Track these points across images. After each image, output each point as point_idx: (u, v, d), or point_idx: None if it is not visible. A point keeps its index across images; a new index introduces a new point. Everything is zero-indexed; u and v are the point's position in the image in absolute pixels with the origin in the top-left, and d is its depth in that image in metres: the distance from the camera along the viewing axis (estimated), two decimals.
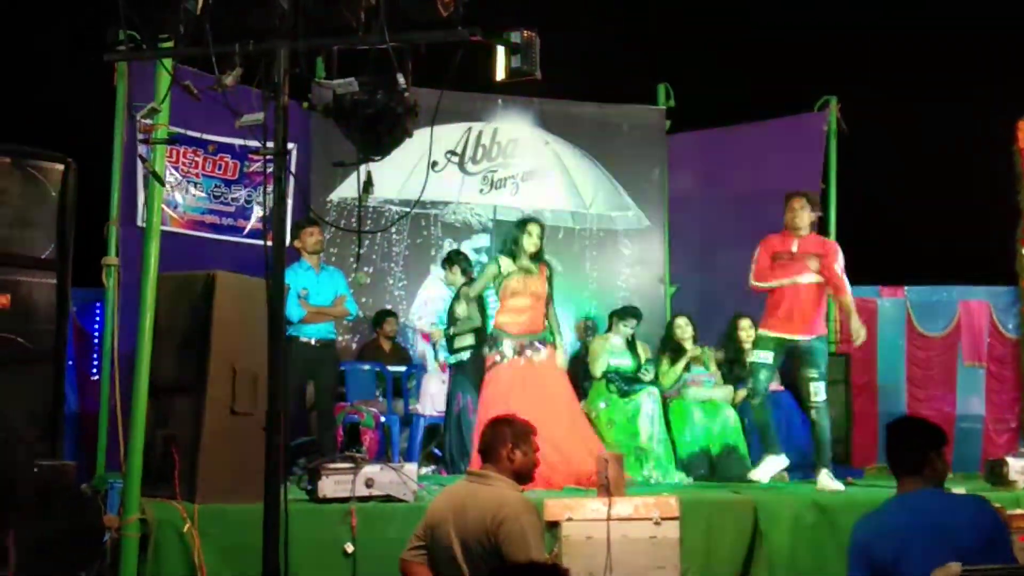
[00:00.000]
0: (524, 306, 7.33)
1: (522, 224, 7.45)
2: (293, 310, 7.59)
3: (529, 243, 7.31)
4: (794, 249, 7.51)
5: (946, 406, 9.93)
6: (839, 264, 7.57)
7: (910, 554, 3.55)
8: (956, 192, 10.23)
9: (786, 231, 7.57)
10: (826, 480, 7.21)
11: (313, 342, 7.78)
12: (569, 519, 5.71)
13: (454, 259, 8.48)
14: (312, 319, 7.76)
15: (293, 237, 7.94)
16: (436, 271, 9.58)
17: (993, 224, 10.11)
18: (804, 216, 7.55)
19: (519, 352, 7.28)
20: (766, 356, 7.48)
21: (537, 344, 7.32)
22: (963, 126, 10.31)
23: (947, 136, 10.47)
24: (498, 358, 7.29)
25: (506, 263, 7.35)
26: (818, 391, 7.39)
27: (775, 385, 8.12)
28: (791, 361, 7.63)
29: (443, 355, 8.47)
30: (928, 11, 11.07)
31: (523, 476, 4.42)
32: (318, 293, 7.85)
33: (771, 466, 7.49)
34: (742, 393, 8.71)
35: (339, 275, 8.15)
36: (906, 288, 10.17)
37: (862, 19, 11.32)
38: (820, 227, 9.40)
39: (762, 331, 7.60)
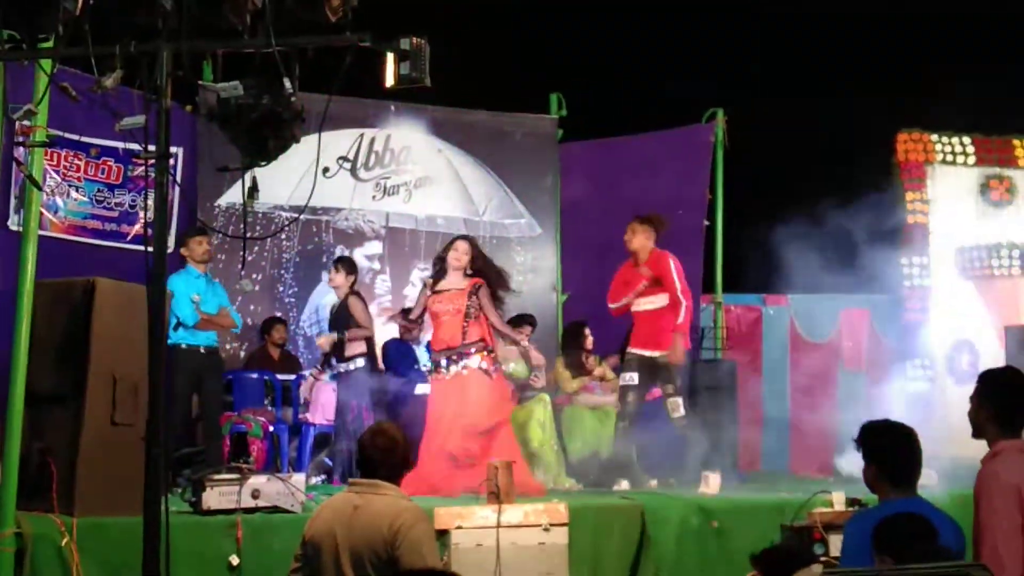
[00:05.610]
0: (441, 322, 7.45)
1: (449, 242, 7.78)
2: (188, 314, 7.56)
3: (454, 259, 7.52)
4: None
5: (828, 411, 10.19)
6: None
7: None
8: (838, 201, 10.50)
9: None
10: (712, 483, 7.32)
11: (202, 349, 7.73)
12: (459, 527, 5.73)
13: (338, 263, 8.48)
14: (203, 326, 7.73)
15: (180, 245, 7.87)
16: (327, 278, 9.47)
17: (873, 233, 10.40)
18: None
19: (436, 368, 7.42)
20: (632, 377, 7.63)
21: (455, 357, 7.34)
22: (845, 138, 10.60)
23: (831, 147, 10.76)
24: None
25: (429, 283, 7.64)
26: (676, 407, 7.55)
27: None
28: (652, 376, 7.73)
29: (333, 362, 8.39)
30: (811, 28, 11.38)
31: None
32: (207, 302, 7.81)
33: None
34: None
35: (221, 288, 8.12)
36: (789, 296, 10.40)
37: (748, 34, 11.59)
38: (708, 237, 9.59)
39: (629, 349, 7.75)
